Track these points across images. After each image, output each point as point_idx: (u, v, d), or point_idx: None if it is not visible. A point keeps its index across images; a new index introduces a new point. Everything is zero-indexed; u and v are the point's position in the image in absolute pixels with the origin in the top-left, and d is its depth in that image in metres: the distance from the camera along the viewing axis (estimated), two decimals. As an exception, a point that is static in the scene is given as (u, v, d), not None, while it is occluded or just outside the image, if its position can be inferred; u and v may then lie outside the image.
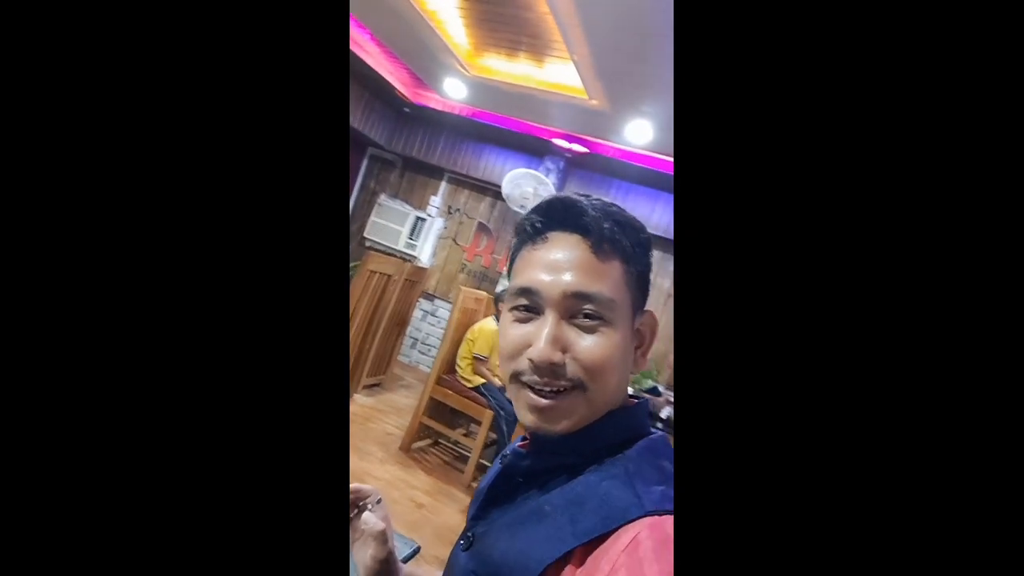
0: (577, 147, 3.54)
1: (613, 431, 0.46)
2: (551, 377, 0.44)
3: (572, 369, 0.44)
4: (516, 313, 0.47)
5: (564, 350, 0.44)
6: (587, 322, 0.44)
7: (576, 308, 0.44)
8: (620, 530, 0.38)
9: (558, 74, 2.79)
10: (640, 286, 0.48)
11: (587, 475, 0.43)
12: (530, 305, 0.46)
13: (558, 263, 0.45)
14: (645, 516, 0.38)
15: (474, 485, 2.51)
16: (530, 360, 0.44)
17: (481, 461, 2.55)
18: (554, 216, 0.47)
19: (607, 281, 0.44)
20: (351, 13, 2.80)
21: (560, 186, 3.84)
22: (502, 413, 2.49)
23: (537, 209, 0.48)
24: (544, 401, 0.44)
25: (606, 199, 0.49)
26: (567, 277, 0.44)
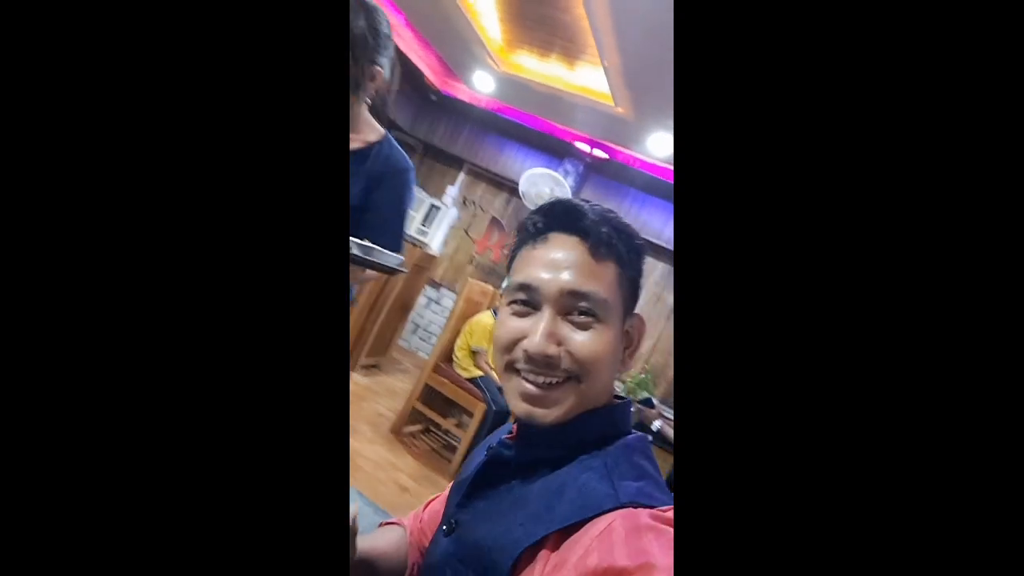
0: (598, 152, 3.54)
1: (597, 427, 0.48)
2: (546, 369, 0.46)
3: (567, 362, 0.46)
4: (515, 307, 0.49)
5: (559, 343, 0.46)
6: (581, 319, 0.46)
7: (572, 305, 0.47)
8: (595, 519, 0.40)
9: (587, 78, 2.79)
10: (631, 289, 0.50)
11: (568, 467, 0.45)
12: (528, 300, 0.48)
13: (557, 262, 0.47)
14: (619, 507, 0.40)
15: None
16: (525, 351, 0.46)
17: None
18: (555, 217, 0.49)
19: (602, 282, 0.47)
20: (389, -4, 2.81)
21: (577, 189, 3.85)
22: (493, 407, 2.51)
23: (539, 210, 0.51)
24: (537, 390, 0.47)
25: (606, 205, 0.52)
26: (565, 276, 0.47)
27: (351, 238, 0.70)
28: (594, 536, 0.38)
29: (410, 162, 0.97)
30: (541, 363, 0.46)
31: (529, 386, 0.47)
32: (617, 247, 0.48)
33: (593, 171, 3.89)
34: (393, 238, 0.93)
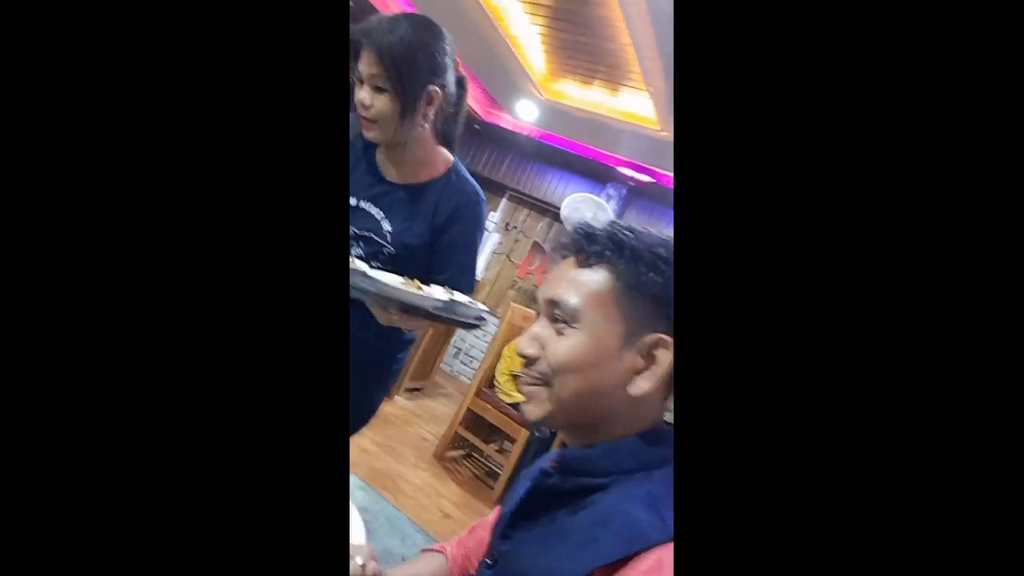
0: (642, 176, 3.52)
1: (634, 453, 0.47)
2: (528, 367, 0.50)
3: (542, 365, 0.49)
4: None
5: (543, 347, 0.50)
6: (557, 325, 0.50)
7: (551, 312, 0.50)
8: (643, 553, 0.38)
9: (630, 103, 2.80)
10: (641, 305, 0.47)
11: (611, 496, 0.44)
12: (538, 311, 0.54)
13: (554, 274, 0.53)
14: (669, 541, 0.38)
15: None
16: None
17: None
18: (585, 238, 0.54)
19: (579, 290, 0.49)
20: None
21: (620, 213, 3.82)
22: (536, 434, 2.47)
23: (587, 236, 0.55)
24: (524, 387, 0.51)
25: (652, 231, 0.52)
26: (550, 285, 0.51)
27: (434, 292, 0.62)
28: (642, 572, 0.37)
29: (482, 193, 0.88)
30: (527, 363, 0.50)
31: (522, 384, 0.51)
32: (609, 257, 0.48)
33: (636, 195, 3.87)
34: (468, 280, 0.84)
